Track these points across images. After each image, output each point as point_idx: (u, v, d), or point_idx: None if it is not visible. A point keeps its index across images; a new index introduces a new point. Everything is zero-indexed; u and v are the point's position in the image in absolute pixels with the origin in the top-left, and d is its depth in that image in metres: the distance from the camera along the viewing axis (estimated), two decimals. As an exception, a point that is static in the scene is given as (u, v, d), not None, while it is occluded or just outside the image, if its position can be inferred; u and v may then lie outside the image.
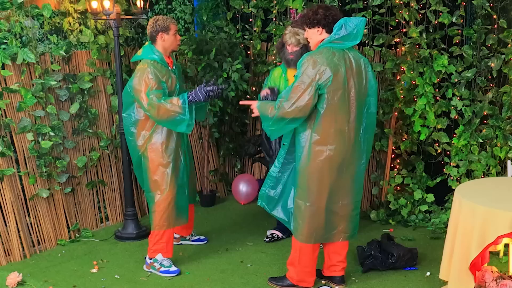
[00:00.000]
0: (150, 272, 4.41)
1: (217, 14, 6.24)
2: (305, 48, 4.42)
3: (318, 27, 3.74)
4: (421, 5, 5.07)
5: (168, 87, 4.24)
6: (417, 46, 5.10)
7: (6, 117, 4.63)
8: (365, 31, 5.31)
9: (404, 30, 5.19)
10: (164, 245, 4.40)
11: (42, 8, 4.75)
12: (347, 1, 5.38)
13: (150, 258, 4.42)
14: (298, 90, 3.62)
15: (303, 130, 3.76)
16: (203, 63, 5.59)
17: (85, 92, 5.12)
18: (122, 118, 4.42)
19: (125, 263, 4.62)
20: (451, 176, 5.12)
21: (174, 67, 4.39)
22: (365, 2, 5.29)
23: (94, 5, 4.73)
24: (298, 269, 4.01)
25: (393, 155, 5.43)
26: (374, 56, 5.40)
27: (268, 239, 4.96)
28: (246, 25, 6.20)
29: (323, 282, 4.17)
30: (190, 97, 4.14)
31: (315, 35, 3.78)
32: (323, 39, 3.74)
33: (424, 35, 5.03)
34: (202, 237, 4.99)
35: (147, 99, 4.11)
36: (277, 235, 4.99)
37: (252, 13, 6.04)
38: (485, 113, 4.93)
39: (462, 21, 4.97)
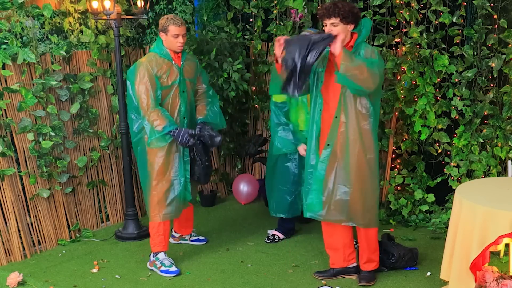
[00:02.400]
0: (152, 270, 4.42)
1: (217, 14, 6.24)
2: None
3: (352, 24, 3.81)
4: (422, 5, 5.07)
5: (162, 82, 4.29)
6: (418, 46, 5.10)
7: (6, 117, 4.63)
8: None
9: (404, 30, 5.19)
10: (162, 237, 4.45)
11: (43, 8, 4.76)
12: (347, 1, 5.38)
13: (153, 255, 4.44)
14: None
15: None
16: (203, 63, 5.59)
17: (86, 92, 5.12)
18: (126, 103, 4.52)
19: (126, 263, 4.62)
20: (451, 176, 5.12)
21: (182, 64, 4.39)
22: (365, 2, 5.29)
23: (95, 5, 4.73)
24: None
25: (393, 155, 5.43)
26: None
27: (269, 241, 4.96)
28: (246, 25, 6.20)
29: (323, 282, 4.17)
30: (172, 133, 4.24)
31: (347, 31, 3.81)
32: (355, 37, 3.85)
33: (424, 35, 5.03)
34: (201, 238, 4.99)
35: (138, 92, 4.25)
36: (278, 237, 4.98)
37: (253, 13, 6.03)
38: (485, 113, 4.93)
39: (462, 21, 4.97)
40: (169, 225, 4.49)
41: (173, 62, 4.34)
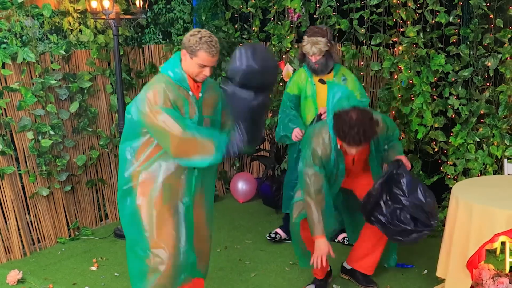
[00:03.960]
0: None
1: (215, 14, 6.26)
2: (328, 54, 4.34)
3: None
4: (418, 5, 5.10)
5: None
6: (414, 46, 5.13)
7: (6, 116, 4.65)
8: (362, 30, 5.36)
9: (401, 29, 5.21)
10: None
11: (42, 8, 4.77)
12: (344, 0, 5.41)
13: None
14: None
15: None
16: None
17: (85, 91, 5.14)
18: None
19: (125, 260, 4.57)
20: (448, 175, 5.15)
21: (201, 96, 3.23)
22: (362, 2, 5.32)
23: (94, 4, 4.75)
24: None
25: (390, 154, 5.45)
26: (372, 56, 5.43)
27: (270, 238, 4.92)
28: (244, 25, 6.22)
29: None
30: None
31: None
32: None
33: (421, 35, 5.06)
34: None
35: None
36: (280, 236, 4.93)
37: (251, 13, 6.05)
38: (481, 112, 4.95)
39: (459, 20, 4.99)
40: None
41: (191, 93, 3.19)
